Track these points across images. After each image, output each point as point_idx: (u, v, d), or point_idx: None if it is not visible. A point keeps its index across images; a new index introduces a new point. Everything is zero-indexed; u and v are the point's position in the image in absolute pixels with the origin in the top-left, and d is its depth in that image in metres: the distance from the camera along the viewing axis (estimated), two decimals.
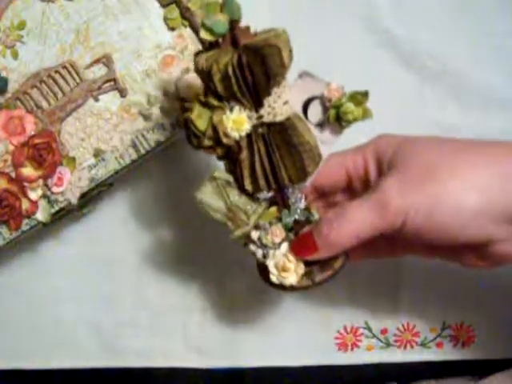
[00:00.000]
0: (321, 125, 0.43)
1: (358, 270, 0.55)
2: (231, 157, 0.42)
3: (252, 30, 0.40)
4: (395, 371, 0.58)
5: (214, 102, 0.40)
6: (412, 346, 0.58)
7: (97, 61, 0.49)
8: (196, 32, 0.49)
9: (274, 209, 0.44)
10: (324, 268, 0.44)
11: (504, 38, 0.54)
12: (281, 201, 0.44)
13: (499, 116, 0.55)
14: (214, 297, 0.58)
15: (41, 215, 0.50)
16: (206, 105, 0.40)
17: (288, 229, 0.44)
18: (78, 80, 0.49)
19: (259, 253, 0.44)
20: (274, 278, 0.43)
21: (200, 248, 0.57)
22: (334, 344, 0.58)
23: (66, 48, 0.49)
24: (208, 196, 0.43)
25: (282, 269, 0.43)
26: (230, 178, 0.43)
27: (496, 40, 0.54)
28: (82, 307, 0.58)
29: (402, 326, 0.58)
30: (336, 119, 0.42)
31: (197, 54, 0.41)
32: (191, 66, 0.49)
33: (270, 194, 0.43)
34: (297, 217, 0.44)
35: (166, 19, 0.49)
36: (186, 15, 0.48)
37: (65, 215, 0.52)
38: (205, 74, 0.39)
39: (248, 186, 0.42)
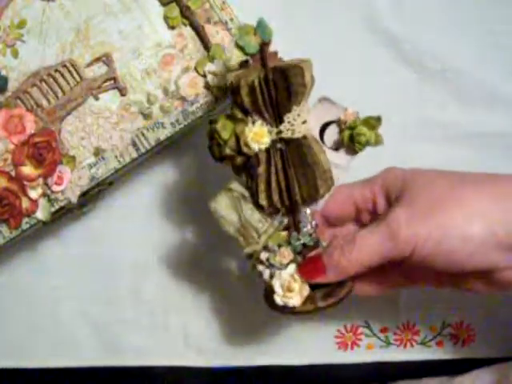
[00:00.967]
0: (336, 149, 0.46)
1: None
2: (249, 170, 0.44)
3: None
4: (395, 370, 0.58)
5: (239, 115, 0.43)
6: (412, 345, 0.58)
7: (97, 59, 0.49)
8: (196, 31, 0.49)
9: (284, 233, 0.45)
10: (329, 295, 0.45)
11: (504, 37, 0.54)
12: (292, 223, 0.45)
13: (500, 115, 0.55)
14: (214, 296, 0.58)
15: (41, 214, 0.50)
16: (230, 118, 0.43)
17: (296, 252, 0.45)
18: (78, 79, 0.49)
19: (266, 273, 0.44)
20: (278, 299, 0.44)
21: (201, 247, 0.57)
22: (334, 343, 0.58)
23: (66, 47, 0.49)
24: (223, 207, 0.44)
25: (287, 289, 0.43)
26: (246, 192, 0.44)
27: (496, 39, 0.54)
28: (81, 306, 0.58)
29: (402, 324, 0.58)
30: (350, 141, 0.45)
31: (228, 74, 0.44)
32: (191, 64, 0.49)
33: (282, 217, 0.44)
34: (306, 241, 0.45)
35: (166, 18, 0.49)
36: (186, 14, 0.48)
37: (65, 214, 0.52)
38: (233, 88, 0.42)
39: (262, 201, 0.43)
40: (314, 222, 0.45)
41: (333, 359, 0.58)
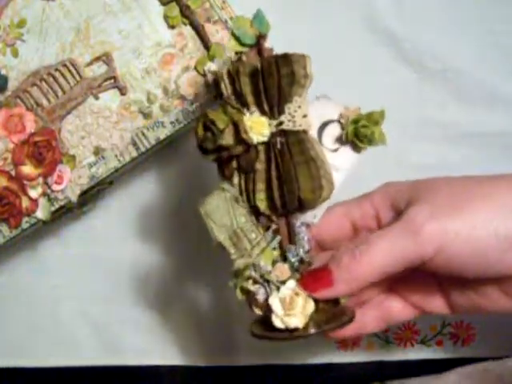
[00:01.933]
0: (336, 150, 0.42)
1: None
2: (245, 166, 0.40)
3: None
4: (395, 369, 0.58)
5: (236, 105, 0.40)
6: (412, 344, 0.58)
7: (97, 59, 0.49)
8: (196, 30, 0.49)
9: (276, 252, 0.40)
10: (331, 319, 0.40)
11: (504, 37, 0.54)
12: (286, 236, 0.41)
13: (500, 115, 0.55)
14: (214, 296, 0.58)
15: (41, 213, 0.50)
16: (224, 108, 0.40)
17: (294, 269, 0.40)
18: (78, 78, 0.49)
19: (261, 293, 0.40)
20: (277, 321, 0.38)
21: (200, 247, 0.57)
22: (335, 343, 0.58)
23: (66, 46, 0.49)
24: (214, 209, 0.40)
25: (288, 307, 0.38)
26: (239, 195, 0.40)
27: (496, 39, 0.54)
28: (81, 306, 0.58)
29: (402, 324, 0.58)
30: (354, 135, 0.41)
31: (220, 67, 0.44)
32: (191, 63, 0.49)
33: (274, 232, 0.40)
34: (304, 256, 0.40)
35: (166, 17, 0.49)
36: (186, 13, 0.48)
37: (65, 213, 0.52)
38: (231, 76, 0.40)
39: (259, 202, 0.40)
40: (310, 238, 0.41)
41: (333, 359, 0.58)
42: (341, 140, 0.42)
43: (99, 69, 0.49)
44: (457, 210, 0.37)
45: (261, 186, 0.40)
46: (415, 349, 0.58)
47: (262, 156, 0.40)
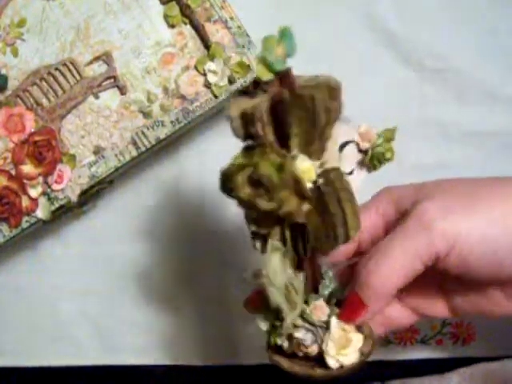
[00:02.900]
0: (351, 172, 0.41)
1: None
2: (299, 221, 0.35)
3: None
4: (395, 369, 0.58)
5: (281, 150, 0.33)
6: (412, 344, 0.58)
7: (97, 58, 0.49)
8: (196, 29, 0.49)
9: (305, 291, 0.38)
10: (367, 341, 0.38)
11: (504, 36, 0.54)
12: (315, 271, 0.38)
13: (500, 114, 0.55)
14: (214, 295, 0.58)
15: (41, 213, 0.50)
16: (262, 157, 0.33)
17: (327, 302, 0.39)
18: (77, 77, 0.49)
19: (309, 338, 0.38)
20: (332, 362, 0.37)
21: (200, 246, 0.57)
22: None
23: (66, 45, 0.49)
24: (275, 273, 0.36)
25: (341, 346, 0.37)
26: (288, 247, 0.36)
27: (496, 38, 0.54)
28: (81, 305, 0.58)
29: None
30: (375, 159, 0.39)
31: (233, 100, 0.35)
32: (191, 63, 0.49)
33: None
34: (334, 286, 0.39)
35: (166, 17, 0.49)
36: (186, 13, 0.48)
37: (65, 213, 0.52)
38: (271, 113, 0.33)
39: (326, 245, 0.36)
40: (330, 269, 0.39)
41: None
42: (358, 162, 0.40)
43: (99, 68, 0.49)
44: (468, 208, 0.36)
45: (321, 229, 0.36)
46: (415, 348, 0.58)
47: (313, 199, 0.35)
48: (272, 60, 0.33)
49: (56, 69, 0.49)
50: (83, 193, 0.50)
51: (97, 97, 0.49)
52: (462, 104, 0.55)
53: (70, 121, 0.50)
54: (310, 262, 0.37)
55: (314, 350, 0.38)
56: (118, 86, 0.49)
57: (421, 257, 0.36)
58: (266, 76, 0.34)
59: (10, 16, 0.49)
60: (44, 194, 0.50)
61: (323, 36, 0.55)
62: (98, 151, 0.50)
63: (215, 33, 0.49)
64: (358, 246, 0.42)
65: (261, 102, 0.33)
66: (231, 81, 0.48)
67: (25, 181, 0.49)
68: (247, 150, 0.34)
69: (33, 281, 0.58)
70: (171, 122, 0.49)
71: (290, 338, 0.38)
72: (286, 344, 0.38)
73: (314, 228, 0.35)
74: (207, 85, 0.49)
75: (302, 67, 0.56)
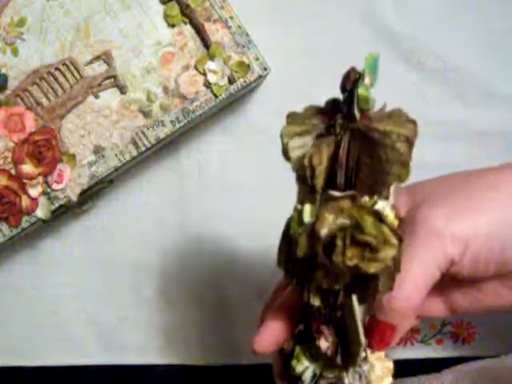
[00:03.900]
0: None
1: None
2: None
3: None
4: (395, 368, 0.58)
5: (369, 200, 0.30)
6: (412, 343, 0.58)
7: (97, 58, 0.49)
8: (196, 29, 0.49)
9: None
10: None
11: (504, 35, 0.54)
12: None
13: (500, 113, 0.55)
14: (214, 294, 0.58)
15: (41, 212, 0.50)
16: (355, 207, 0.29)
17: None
18: (77, 77, 0.49)
19: (356, 380, 0.36)
20: None
21: (200, 245, 0.57)
22: None
23: (66, 45, 0.49)
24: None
25: (383, 376, 0.36)
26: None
27: (496, 37, 0.54)
28: (81, 304, 0.58)
29: None
30: None
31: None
32: (191, 62, 0.49)
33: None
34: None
35: (166, 16, 0.49)
36: (186, 12, 0.48)
37: (65, 212, 0.52)
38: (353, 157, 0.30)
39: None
40: None
41: None
42: None
43: (99, 67, 0.49)
44: (470, 207, 0.35)
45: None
46: (415, 348, 0.58)
47: None
48: (370, 98, 0.29)
49: (56, 68, 0.49)
50: (83, 192, 0.50)
51: (97, 96, 0.49)
52: (462, 103, 0.55)
53: (70, 120, 0.50)
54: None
55: None
56: (117, 86, 0.49)
57: (439, 266, 0.35)
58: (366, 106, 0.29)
59: (10, 15, 0.49)
60: (44, 193, 0.50)
61: (323, 36, 0.55)
62: (98, 151, 0.50)
63: (215, 32, 0.49)
64: None
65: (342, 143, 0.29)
66: (231, 80, 0.48)
67: (25, 180, 0.49)
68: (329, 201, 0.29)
69: (33, 280, 0.58)
70: (171, 121, 0.49)
71: None
72: None
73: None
74: (207, 84, 0.49)
75: (302, 67, 0.56)
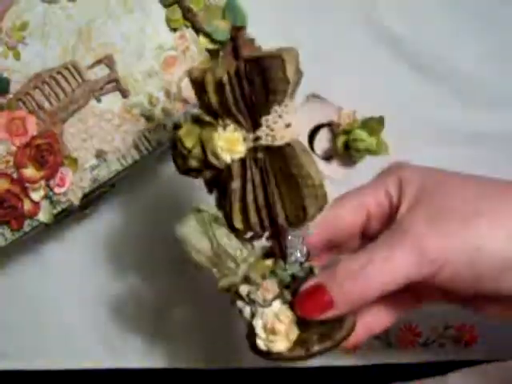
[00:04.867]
0: (328, 158, 0.38)
1: None
2: (221, 186, 0.36)
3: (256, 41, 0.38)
4: (397, 372, 0.58)
5: (206, 118, 0.35)
6: (414, 346, 0.58)
7: (99, 61, 0.49)
8: (198, 33, 0.49)
9: (269, 261, 0.38)
10: (326, 335, 0.37)
11: (506, 37, 0.54)
12: (278, 249, 0.37)
13: (502, 115, 0.55)
14: (216, 298, 0.58)
15: (43, 216, 0.50)
16: (197, 122, 0.35)
17: (284, 285, 0.37)
18: (79, 81, 0.49)
19: (247, 311, 0.37)
20: (260, 344, 0.36)
21: None
22: None
23: (68, 49, 0.49)
24: (191, 232, 0.36)
25: (270, 331, 0.36)
26: (219, 213, 0.36)
27: (498, 38, 0.54)
28: (84, 308, 0.58)
29: (404, 326, 0.58)
30: (345, 148, 0.37)
31: (191, 68, 0.36)
32: (193, 66, 0.49)
33: (264, 240, 0.37)
34: (295, 271, 0.37)
35: (168, 20, 0.49)
36: (188, 16, 0.48)
37: (67, 216, 0.52)
38: (198, 85, 0.35)
39: (238, 224, 0.35)
40: (304, 249, 0.37)
41: (334, 361, 0.58)
42: (333, 149, 0.38)
43: (101, 71, 0.49)
44: (463, 229, 0.35)
45: (237, 205, 0.35)
46: (417, 351, 0.58)
47: (238, 174, 0.35)
48: (211, 31, 0.37)
49: (58, 72, 0.49)
50: (85, 196, 0.50)
51: (99, 100, 0.49)
52: (464, 105, 0.55)
53: (72, 124, 0.50)
54: (273, 239, 0.37)
55: (249, 324, 0.37)
56: (119, 90, 0.49)
57: (407, 278, 0.35)
58: (208, 45, 0.38)
59: (12, 19, 0.49)
60: (46, 197, 0.50)
61: (324, 36, 0.55)
62: (100, 155, 0.50)
63: None
64: (366, 224, 0.40)
65: (213, 69, 0.34)
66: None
67: (27, 184, 0.49)
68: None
69: (35, 284, 0.58)
70: (173, 125, 0.49)
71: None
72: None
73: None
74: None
75: (302, 68, 0.56)
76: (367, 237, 0.41)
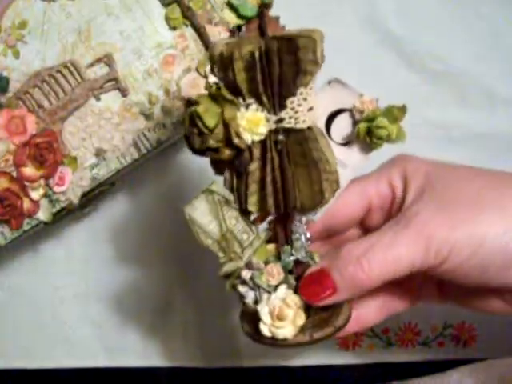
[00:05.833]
0: (345, 144, 0.37)
1: None
2: (236, 167, 0.35)
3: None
4: (396, 370, 0.58)
5: (228, 96, 0.33)
6: (413, 345, 0.58)
7: (98, 60, 0.49)
8: (197, 31, 0.49)
9: (272, 246, 0.37)
10: (325, 322, 0.37)
11: (505, 37, 0.54)
12: (283, 234, 0.37)
13: (501, 115, 0.55)
14: (215, 296, 0.58)
15: (42, 215, 0.50)
16: (216, 99, 0.33)
17: (287, 270, 0.37)
18: (79, 79, 0.49)
19: (250, 296, 0.37)
20: (265, 329, 0.36)
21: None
22: (336, 343, 0.58)
23: (68, 47, 0.49)
24: (200, 214, 0.36)
25: (277, 317, 0.35)
26: (230, 196, 0.36)
27: (497, 38, 0.54)
28: (83, 307, 0.58)
29: (404, 325, 0.58)
30: (366, 134, 0.36)
31: (213, 44, 0.35)
32: (192, 65, 0.49)
33: (268, 226, 0.37)
34: (301, 256, 0.37)
35: (167, 18, 0.49)
36: (188, 14, 0.48)
37: (66, 215, 0.52)
38: (224, 61, 0.33)
39: (251, 206, 0.35)
40: (308, 234, 0.37)
41: (334, 360, 0.58)
42: (352, 135, 0.37)
43: (100, 70, 0.49)
44: (468, 220, 0.35)
45: (254, 187, 0.35)
46: (416, 350, 0.58)
47: (257, 155, 0.35)
48: (238, 5, 0.35)
49: (57, 71, 0.49)
50: (84, 195, 0.50)
51: (98, 99, 0.49)
52: (463, 105, 0.55)
53: (72, 123, 0.50)
54: (278, 224, 0.37)
55: (252, 309, 0.36)
56: (119, 88, 0.49)
57: (412, 265, 0.35)
58: (236, 22, 0.36)
59: (11, 18, 0.49)
60: (45, 196, 0.50)
61: (325, 39, 0.55)
62: (99, 153, 0.50)
63: (216, 35, 0.48)
64: (367, 213, 0.41)
65: (240, 45, 0.33)
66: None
67: (26, 183, 0.49)
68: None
69: (34, 283, 0.58)
70: (173, 124, 0.49)
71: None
72: (229, 291, 0.38)
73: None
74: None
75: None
76: (366, 228, 0.42)
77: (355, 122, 0.36)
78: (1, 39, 0.49)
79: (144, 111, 0.49)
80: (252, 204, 0.35)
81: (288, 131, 0.35)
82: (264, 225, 0.38)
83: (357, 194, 0.40)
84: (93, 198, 0.52)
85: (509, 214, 0.35)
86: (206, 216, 0.36)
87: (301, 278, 0.37)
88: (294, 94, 0.34)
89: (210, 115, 0.33)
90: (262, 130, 0.34)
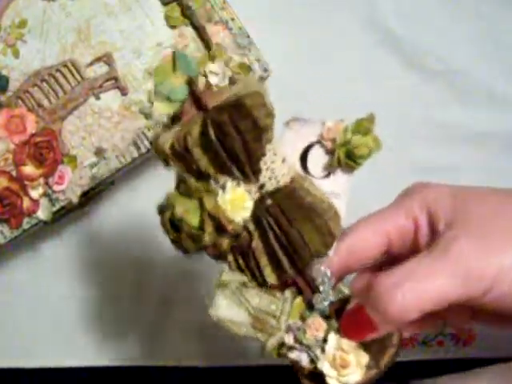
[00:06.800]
0: (328, 175, 0.35)
1: None
2: (239, 249, 0.34)
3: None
4: (396, 370, 0.57)
5: (198, 185, 0.31)
6: (413, 345, 0.58)
7: (98, 59, 0.49)
8: (197, 30, 0.49)
9: (299, 300, 0.36)
10: (383, 347, 0.35)
11: (505, 37, 0.54)
12: (306, 285, 0.35)
13: (501, 115, 0.55)
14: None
15: (42, 214, 0.50)
16: (185, 193, 0.32)
17: (325, 316, 0.35)
18: (79, 78, 0.49)
19: (304, 359, 0.35)
20: (333, 382, 0.34)
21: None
22: None
23: (67, 47, 0.49)
24: (224, 310, 0.34)
25: (340, 366, 0.34)
26: (244, 277, 0.34)
27: (497, 38, 0.54)
28: (82, 306, 0.58)
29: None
30: (347, 158, 0.34)
31: (155, 138, 0.33)
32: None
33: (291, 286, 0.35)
34: (331, 298, 0.35)
35: (167, 17, 0.49)
36: (187, 13, 0.48)
37: (66, 214, 0.52)
38: (179, 152, 0.31)
39: (270, 277, 0.34)
40: (328, 272, 0.35)
41: None
42: (330, 163, 0.35)
43: (100, 69, 0.49)
44: (507, 245, 0.33)
45: (264, 260, 0.34)
46: (416, 349, 0.58)
47: (253, 228, 0.33)
48: (169, 92, 0.33)
49: (57, 70, 0.49)
50: (84, 194, 0.50)
51: (98, 98, 0.49)
52: (464, 105, 0.55)
53: (71, 122, 0.50)
54: (298, 278, 0.35)
55: (312, 368, 0.35)
56: (118, 87, 0.49)
57: (453, 300, 0.33)
58: (167, 110, 0.33)
59: (11, 17, 0.49)
60: (45, 195, 0.50)
61: (324, 37, 0.55)
62: (99, 152, 0.50)
63: (216, 34, 0.49)
64: (387, 249, 0.38)
65: (186, 130, 0.31)
66: (232, 82, 0.48)
67: (26, 182, 0.49)
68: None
69: (34, 282, 0.58)
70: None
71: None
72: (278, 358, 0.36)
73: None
74: (208, 86, 0.49)
75: (303, 70, 0.56)
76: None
77: (329, 151, 0.35)
78: (0, 38, 0.49)
79: (144, 110, 0.49)
80: (269, 275, 0.34)
81: (273, 192, 0.33)
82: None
83: (372, 233, 0.37)
84: (92, 197, 0.52)
85: None
86: (230, 309, 0.35)
87: (341, 315, 0.36)
88: (264, 154, 0.32)
89: (191, 214, 0.32)
90: (249, 203, 0.33)
